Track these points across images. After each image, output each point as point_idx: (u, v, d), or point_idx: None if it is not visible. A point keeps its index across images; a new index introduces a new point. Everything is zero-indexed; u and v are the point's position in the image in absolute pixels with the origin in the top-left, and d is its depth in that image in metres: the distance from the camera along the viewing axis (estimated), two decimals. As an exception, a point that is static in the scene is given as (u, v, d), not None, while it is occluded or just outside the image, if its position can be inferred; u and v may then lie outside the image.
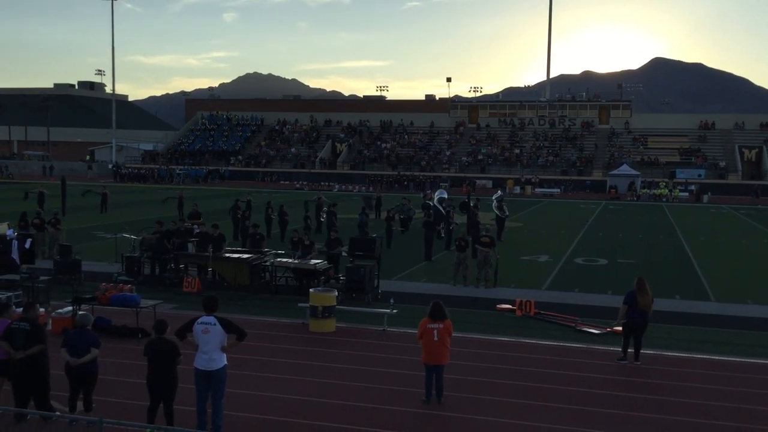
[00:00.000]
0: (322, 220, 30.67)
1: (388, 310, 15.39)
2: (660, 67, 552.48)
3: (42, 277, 16.89)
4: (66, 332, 10.98)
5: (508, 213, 31.73)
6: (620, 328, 13.51)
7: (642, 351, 13.12)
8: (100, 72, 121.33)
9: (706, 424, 10.35)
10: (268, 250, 20.51)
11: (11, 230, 20.56)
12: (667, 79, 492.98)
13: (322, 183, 69.77)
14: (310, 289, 15.71)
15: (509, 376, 12.24)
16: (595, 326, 15.62)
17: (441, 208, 30.07)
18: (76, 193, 48.28)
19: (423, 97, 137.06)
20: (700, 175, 68.42)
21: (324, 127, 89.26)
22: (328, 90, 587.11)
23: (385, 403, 10.85)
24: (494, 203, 31.64)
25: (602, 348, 14.09)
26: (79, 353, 9.52)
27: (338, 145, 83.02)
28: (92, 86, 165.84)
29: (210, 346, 9.20)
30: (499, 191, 37.90)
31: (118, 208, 42.19)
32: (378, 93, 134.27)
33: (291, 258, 19.47)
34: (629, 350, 13.09)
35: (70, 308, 14.48)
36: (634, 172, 66.50)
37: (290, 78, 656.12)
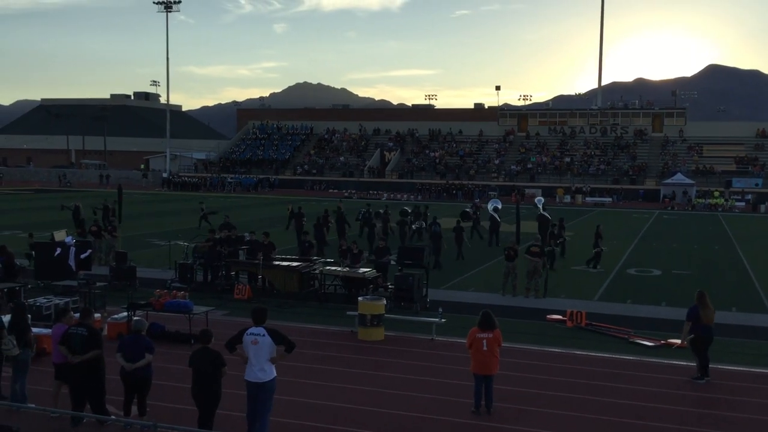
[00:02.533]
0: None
1: (437, 319, 15.34)
2: (715, 74, 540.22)
3: (98, 283, 17.32)
4: (121, 337, 11.25)
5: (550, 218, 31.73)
6: (681, 342, 13.22)
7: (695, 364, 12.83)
8: (155, 83, 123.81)
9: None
10: (316, 258, 20.69)
11: (69, 237, 21.12)
12: (722, 86, 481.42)
13: (371, 192, 69.94)
14: (359, 298, 15.78)
15: (560, 388, 12.08)
16: (648, 338, 15.32)
17: (497, 216, 31.38)
18: (133, 201, 49.26)
19: (472, 106, 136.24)
20: (757, 185, 66.57)
21: (373, 136, 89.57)
22: (376, 99, 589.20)
23: (434, 413, 10.82)
24: (539, 206, 32.40)
25: (656, 361, 13.82)
26: (134, 358, 9.72)
27: (387, 153, 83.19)
28: (147, 97, 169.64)
29: (260, 358, 9.21)
30: (540, 197, 38.35)
31: (171, 216, 42.98)
32: (426, 102, 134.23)
33: (340, 266, 19.59)
34: (700, 365, 12.69)
35: (126, 314, 14.80)
36: (688, 181, 65.10)
37: (339, 87, 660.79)
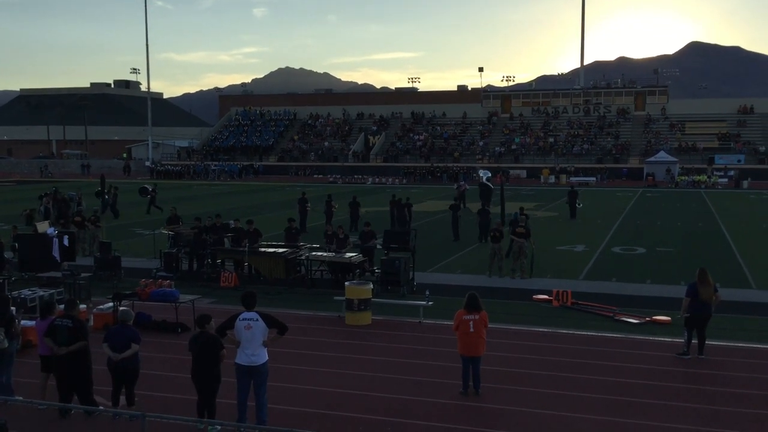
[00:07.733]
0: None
1: (424, 302, 15.40)
2: (697, 52, 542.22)
3: (83, 274, 17.22)
4: (107, 328, 11.20)
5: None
6: (667, 318, 13.35)
7: (682, 340, 12.96)
8: (135, 70, 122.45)
9: (746, 413, 10.18)
10: (303, 243, 20.66)
11: (52, 228, 20.96)
12: (704, 64, 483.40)
13: (356, 176, 69.79)
14: (346, 283, 15.79)
15: (547, 367, 12.17)
16: (633, 316, 15.46)
17: (490, 185, 34.23)
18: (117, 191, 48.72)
19: (455, 88, 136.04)
20: (739, 161, 67.11)
21: (356, 120, 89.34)
22: (359, 83, 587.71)
23: (422, 395, 10.87)
24: (483, 177, 35.94)
25: (641, 338, 13.94)
26: (120, 348, 9.69)
27: (371, 137, 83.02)
28: (128, 85, 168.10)
29: (253, 342, 9.27)
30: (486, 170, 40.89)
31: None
32: (410, 84, 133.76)
33: (326, 251, 19.57)
34: (693, 342, 12.78)
35: (111, 304, 14.73)
36: (671, 158, 65.48)
37: (322, 72, 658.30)
